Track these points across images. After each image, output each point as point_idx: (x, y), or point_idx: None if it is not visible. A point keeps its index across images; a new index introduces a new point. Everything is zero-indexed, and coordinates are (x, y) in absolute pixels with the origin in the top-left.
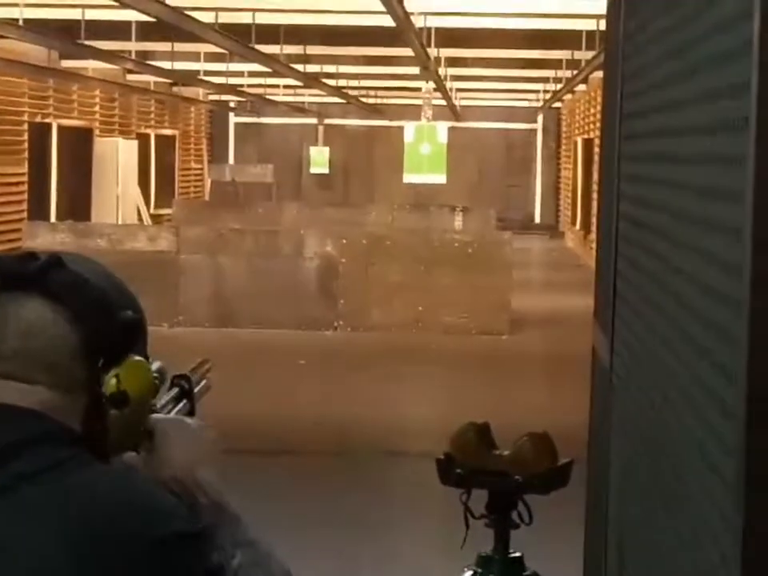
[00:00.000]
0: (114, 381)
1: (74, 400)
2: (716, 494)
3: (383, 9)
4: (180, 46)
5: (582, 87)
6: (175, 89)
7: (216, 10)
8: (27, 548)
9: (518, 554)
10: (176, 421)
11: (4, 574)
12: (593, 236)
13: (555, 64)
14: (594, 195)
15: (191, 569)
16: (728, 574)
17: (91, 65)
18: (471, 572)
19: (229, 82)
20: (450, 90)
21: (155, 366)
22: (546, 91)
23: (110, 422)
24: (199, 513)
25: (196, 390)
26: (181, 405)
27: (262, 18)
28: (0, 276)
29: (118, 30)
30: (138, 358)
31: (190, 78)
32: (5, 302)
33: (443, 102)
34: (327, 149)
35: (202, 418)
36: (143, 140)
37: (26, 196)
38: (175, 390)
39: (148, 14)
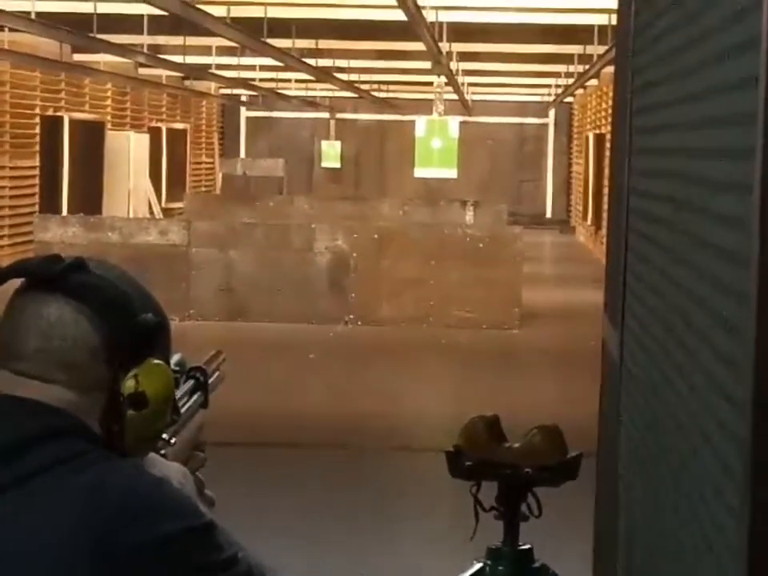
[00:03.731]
0: (132, 382)
1: (93, 400)
2: (725, 488)
3: (395, 3)
4: (192, 40)
5: (593, 82)
6: (187, 82)
7: (228, 3)
8: (40, 540)
9: (527, 546)
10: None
11: (18, 565)
12: (604, 231)
13: (567, 59)
14: (606, 190)
15: (201, 562)
16: (735, 564)
17: (103, 58)
18: (481, 564)
19: (240, 76)
20: (462, 84)
21: (175, 358)
22: (557, 86)
23: (128, 423)
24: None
25: (210, 381)
26: (195, 396)
27: (274, 12)
28: (25, 277)
29: (129, 24)
30: (157, 361)
31: (202, 71)
32: (28, 303)
33: (455, 97)
34: (339, 143)
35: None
36: (155, 134)
37: (37, 189)
38: (190, 383)
39: (160, 8)
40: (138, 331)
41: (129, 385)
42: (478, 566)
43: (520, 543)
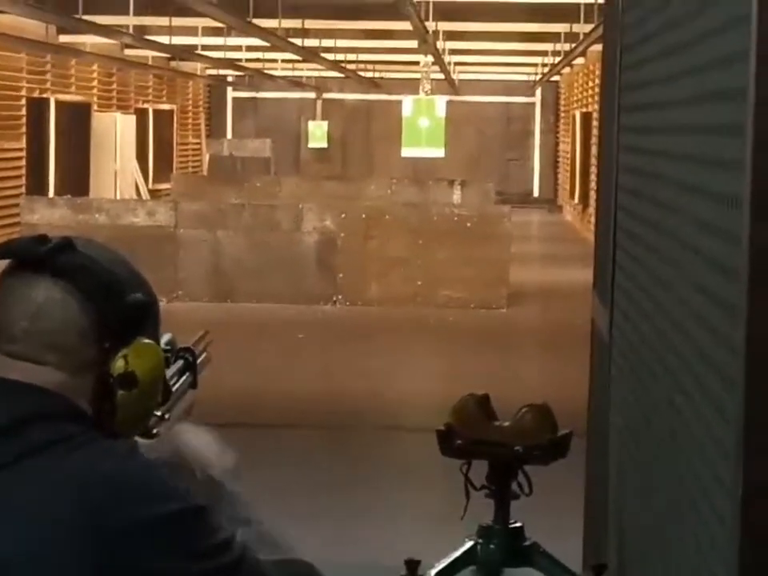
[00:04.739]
0: (121, 362)
1: (83, 380)
2: (715, 463)
3: None
4: (178, 21)
5: (580, 61)
6: (173, 63)
7: None
8: (30, 523)
9: (518, 524)
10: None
11: (6, 545)
12: (591, 210)
13: (553, 37)
14: (592, 169)
15: (191, 546)
16: (728, 540)
17: (89, 40)
18: (472, 542)
19: (227, 57)
20: (449, 63)
21: (166, 338)
22: (544, 65)
23: (119, 403)
24: (195, 490)
25: (198, 361)
26: (184, 378)
27: None
28: (12, 258)
29: (115, 5)
30: (147, 340)
31: (188, 52)
32: (16, 284)
33: (441, 76)
34: (326, 123)
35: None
36: (141, 115)
37: (24, 171)
38: (180, 363)
39: None
40: (127, 311)
41: (118, 365)
42: (469, 543)
43: (511, 521)
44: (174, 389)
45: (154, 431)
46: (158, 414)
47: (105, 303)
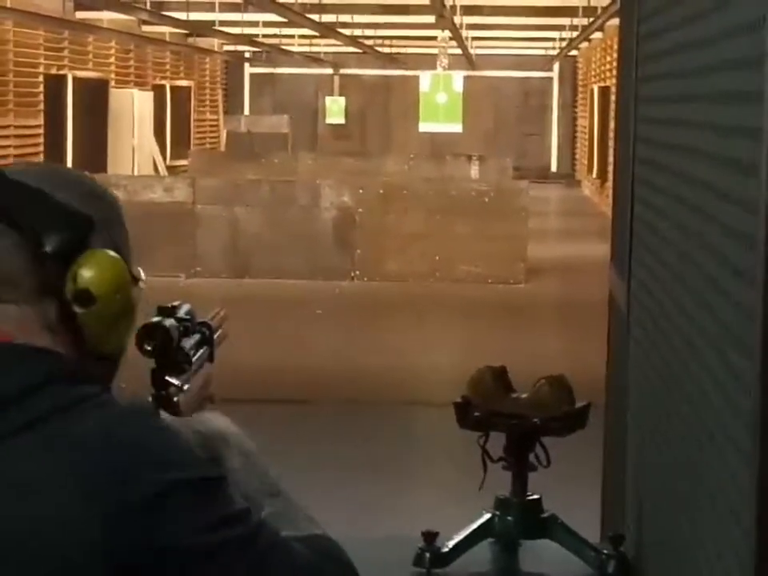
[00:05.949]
0: (71, 282)
1: (44, 310)
2: (735, 434)
3: None
4: None
5: (598, 35)
6: (190, 39)
7: None
8: (42, 488)
9: (536, 496)
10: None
11: (20, 514)
12: (609, 184)
13: (571, 12)
14: (611, 143)
15: (205, 516)
16: (749, 513)
17: (106, 16)
18: (489, 514)
19: (244, 32)
20: (466, 38)
21: (185, 308)
22: (562, 39)
23: (82, 324)
24: (222, 462)
25: (215, 336)
26: (202, 351)
27: None
28: None
29: None
30: (98, 250)
31: (206, 28)
32: None
33: (459, 51)
34: (343, 99)
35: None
36: (159, 91)
37: (42, 148)
38: (197, 337)
39: None
40: (65, 226)
41: (69, 286)
42: (486, 516)
43: (528, 493)
44: (194, 359)
45: (175, 399)
46: (177, 383)
47: (41, 224)
